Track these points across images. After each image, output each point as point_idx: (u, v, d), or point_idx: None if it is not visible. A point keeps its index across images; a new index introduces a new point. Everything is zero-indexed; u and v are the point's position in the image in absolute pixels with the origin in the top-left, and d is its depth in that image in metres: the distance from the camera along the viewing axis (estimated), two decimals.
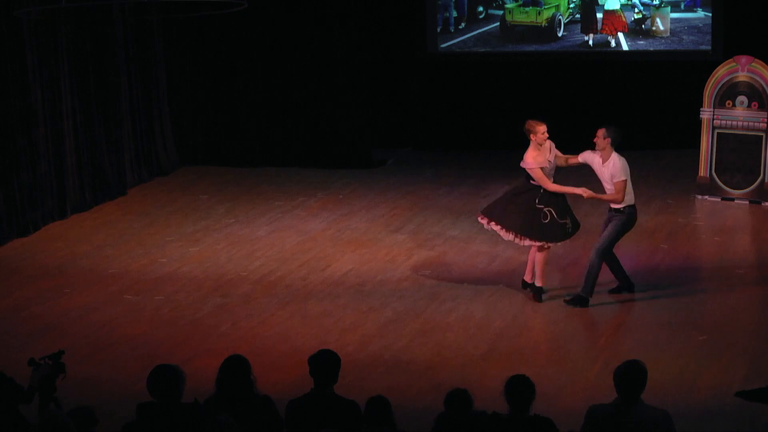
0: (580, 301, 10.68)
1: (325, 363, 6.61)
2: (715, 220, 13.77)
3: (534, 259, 10.91)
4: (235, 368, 6.56)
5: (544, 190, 10.63)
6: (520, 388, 6.26)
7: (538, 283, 10.91)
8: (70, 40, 14.51)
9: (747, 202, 14.34)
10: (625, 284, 11.00)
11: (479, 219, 11.02)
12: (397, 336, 10.11)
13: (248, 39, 17.04)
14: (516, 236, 10.72)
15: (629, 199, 10.58)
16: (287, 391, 7.53)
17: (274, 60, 17.10)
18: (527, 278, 11.09)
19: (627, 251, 11.64)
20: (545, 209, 10.64)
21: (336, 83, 17.03)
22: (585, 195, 10.65)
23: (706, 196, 14.56)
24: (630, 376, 6.29)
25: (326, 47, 16.95)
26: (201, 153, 17.45)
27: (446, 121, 18.02)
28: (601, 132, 10.52)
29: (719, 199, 14.49)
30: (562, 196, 10.74)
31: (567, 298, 10.82)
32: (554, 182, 10.71)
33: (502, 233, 10.79)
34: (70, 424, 6.10)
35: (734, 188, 14.45)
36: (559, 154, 10.78)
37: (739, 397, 8.52)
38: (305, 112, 17.16)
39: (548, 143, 10.70)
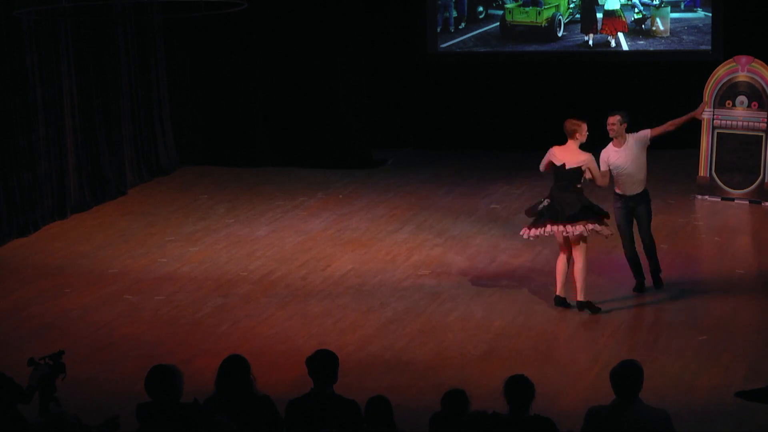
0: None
1: (322, 363, 6.60)
2: (715, 220, 13.76)
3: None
4: (235, 368, 6.56)
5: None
6: (519, 388, 6.26)
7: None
8: (70, 39, 14.51)
9: (747, 202, 14.33)
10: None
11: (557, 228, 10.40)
12: (397, 336, 10.11)
13: (248, 39, 17.03)
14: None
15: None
16: (287, 391, 7.52)
17: (275, 60, 17.09)
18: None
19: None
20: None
21: (336, 83, 17.02)
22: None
23: (706, 196, 14.55)
24: (626, 375, 6.28)
25: (326, 47, 16.94)
26: (201, 153, 17.44)
27: (446, 121, 18.00)
28: (615, 119, 10.55)
29: (719, 199, 14.47)
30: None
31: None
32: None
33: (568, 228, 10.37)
34: (76, 425, 6.09)
35: (734, 188, 14.44)
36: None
37: (739, 397, 8.51)
38: (305, 111, 17.15)
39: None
